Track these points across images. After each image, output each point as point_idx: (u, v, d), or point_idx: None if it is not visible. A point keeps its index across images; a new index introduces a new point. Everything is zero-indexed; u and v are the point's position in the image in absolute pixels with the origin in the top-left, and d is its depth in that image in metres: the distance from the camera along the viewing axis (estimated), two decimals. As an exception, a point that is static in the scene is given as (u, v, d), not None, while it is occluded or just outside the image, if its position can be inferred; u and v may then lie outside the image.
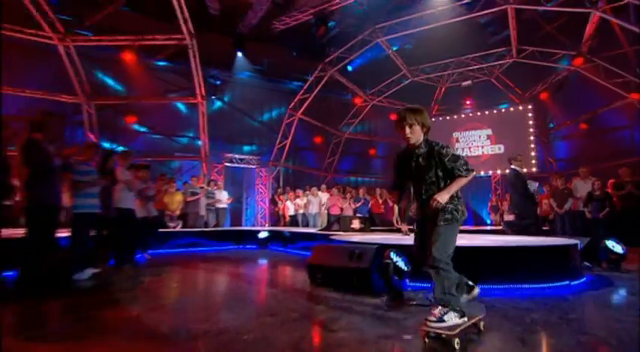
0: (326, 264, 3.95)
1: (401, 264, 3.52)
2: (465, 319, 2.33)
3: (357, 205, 10.41)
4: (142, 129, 13.34)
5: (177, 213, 8.62)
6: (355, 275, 3.67)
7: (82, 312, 3.10)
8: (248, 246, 8.45)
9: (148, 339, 2.47)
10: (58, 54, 10.18)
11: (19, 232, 4.09)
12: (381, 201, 10.68)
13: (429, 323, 2.26)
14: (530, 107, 12.88)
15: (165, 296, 3.93)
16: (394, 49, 13.50)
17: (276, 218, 12.14)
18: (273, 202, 12.47)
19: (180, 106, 13.52)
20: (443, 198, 2.36)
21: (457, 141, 13.76)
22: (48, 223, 3.93)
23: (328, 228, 7.59)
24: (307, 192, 11.02)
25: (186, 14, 9.65)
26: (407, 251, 3.64)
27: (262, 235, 8.41)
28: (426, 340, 2.27)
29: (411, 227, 2.81)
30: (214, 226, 9.57)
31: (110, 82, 12.59)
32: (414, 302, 3.27)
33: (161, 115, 13.17)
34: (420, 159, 2.51)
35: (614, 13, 8.76)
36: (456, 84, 14.39)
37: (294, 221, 10.95)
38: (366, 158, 17.00)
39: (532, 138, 12.65)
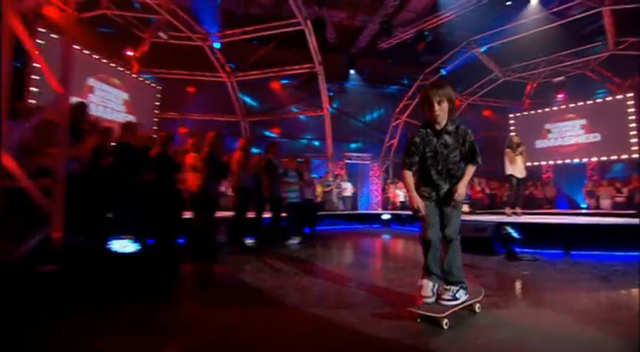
0: (457, 234, 5.41)
1: (515, 234, 4.81)
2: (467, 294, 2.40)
3: (458, 192, 11.41)
4: (273, 135, 15.92)
5: (319, 200, 10.72)
6: (479, 242, 5.06)
7: (317, 256, 5.07)
8: (374, 226, 10.19)
9: (366, 267, 4.26)
10: (220, 86, 13.08)
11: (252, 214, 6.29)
12: (478, 189, 11.53)
13: (445, 303, 2.27)
14: (630, 95, 12.24)
15: (350, 248, 5.81)
16: (484, 49, 13.73)
17: (386, 203, 13.75)
18: (384, 191, 14.09)
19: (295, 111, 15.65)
20: (464, 191, 2.34)
21: (549, 132, 13.69)
22: (278, 208, 6.07)
23: (441, 211, 8.92)
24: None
25: (316, 47, 11.60)
26: (518, 226, 4.93)
27: (385, 217, 10.08)
28: (446, 321, 2.16)
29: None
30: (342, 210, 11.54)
31: (247, 99, 15.25)
32: (524, 259, 4.56)
33: (286, 122, 15.52)
34: (447, 137, 2.32)
35: None
36: (547, 79, 14.16)
37: (403, 206, 12.40)
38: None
39: (633, 125, 12.06)
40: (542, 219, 6.42)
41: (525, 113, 14.59)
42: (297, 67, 12.29)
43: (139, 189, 4.52)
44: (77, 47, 9.07)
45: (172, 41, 11.31)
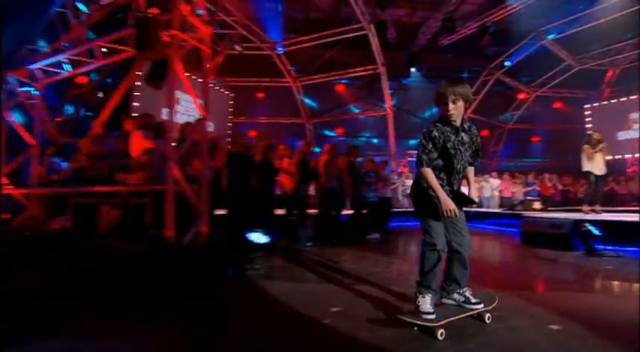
0: (533, 230, 5.79)
1: (595, 231, 5.10)
2: None
3: (528, 189, 11.39)
4: (332, 134, 16.77)
5: (384, 197, 11.34)
6: (556, 238, 5.41)
7: (395, 249, 5.76)
8: (439, 222, 10.58)
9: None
10: (283, 89, 14.15)
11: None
12: (550, 185, 11.39)
13: (474, 307, 2.34)
14: None
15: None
16: (552, 36, 13.08)
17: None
18: (447, 187, 14.28)
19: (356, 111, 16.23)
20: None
21: (635, 121, 12.90)
22: (359, 206, 6.85)
23: (512, 208, 9.13)
24: (479, 178, 12.49)
25: (379, 48, 12.16)
26: (598, 223, 5.21)
27: (452, 214, 10.44)
28: (441, 331, 2.11)
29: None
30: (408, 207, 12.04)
31: (306, 100, 16.08)
32: (606, 255, 4.84)
33: (345, 121, 16.22)
34: (464, 135, 2.31)
35: None
36: (632, 64, 13.23)
37: (467, 202, 12.56)
38: (524, 142, 17.07)
39: None
40: (627, 216, 6.42)
41: (605, 103, 13.85)
42: (361, 69, 12.94)
43: (249, 191, 5.53)
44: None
45: (245, 52, 12.52)
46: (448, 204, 2.18)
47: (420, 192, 2.34)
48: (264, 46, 12.79)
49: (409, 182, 12.54)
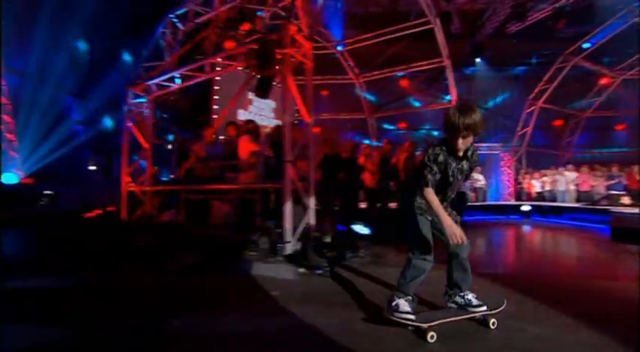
0: (626, 226, 5.85)
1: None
2: None
3: (611, 182, 10.86)
4: (391, 127, 17.07)
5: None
6: (652, 234, 5.45)
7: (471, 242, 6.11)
8: (511, 217, 10.59)
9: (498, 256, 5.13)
10: (344, 85, 14.65)
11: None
12: (638, 178, 10.79)
13: (475, 310, 2.44)
14: None
15: (497, 237, 6.71)
16: None
17: (519, 194, 13.69)
18: (517, 181, 14.03)
19: (417, 105, 16.30)
20: None
21: None
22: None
23: (596, 202, 8.97)
24: (553, 171, 12.16)
25: (444, 42, 12.19)
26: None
27: (525, 208, 10.42)
28: (431, 334, 2.22)
29: None
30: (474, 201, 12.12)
31: (367, 95, 16.40)
32: None
33: (402, 115, 16.38)
34: (464, 164, 2.43)
35: None
36: None
37: (540, 197, 12.31)
38: (605, 131, 16.05)
39: None
40: None
41: None
42: (425, 62, 13.03)
43: (341, 188, 6.19)
44: (240, 68, 11.56)
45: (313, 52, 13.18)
46: (454, 229, 2.24)
47: (414, 206, 2.49)
48: (329, 45, 13.36)
49: (478, 176, 12.57)
